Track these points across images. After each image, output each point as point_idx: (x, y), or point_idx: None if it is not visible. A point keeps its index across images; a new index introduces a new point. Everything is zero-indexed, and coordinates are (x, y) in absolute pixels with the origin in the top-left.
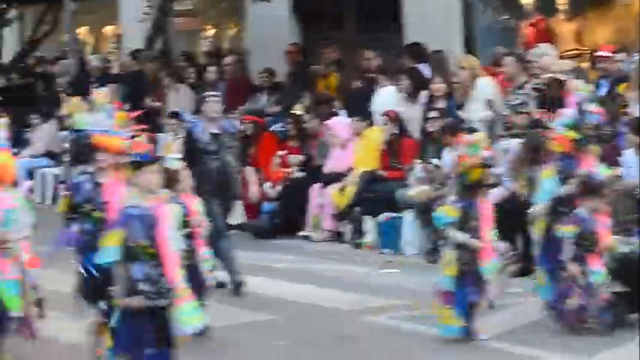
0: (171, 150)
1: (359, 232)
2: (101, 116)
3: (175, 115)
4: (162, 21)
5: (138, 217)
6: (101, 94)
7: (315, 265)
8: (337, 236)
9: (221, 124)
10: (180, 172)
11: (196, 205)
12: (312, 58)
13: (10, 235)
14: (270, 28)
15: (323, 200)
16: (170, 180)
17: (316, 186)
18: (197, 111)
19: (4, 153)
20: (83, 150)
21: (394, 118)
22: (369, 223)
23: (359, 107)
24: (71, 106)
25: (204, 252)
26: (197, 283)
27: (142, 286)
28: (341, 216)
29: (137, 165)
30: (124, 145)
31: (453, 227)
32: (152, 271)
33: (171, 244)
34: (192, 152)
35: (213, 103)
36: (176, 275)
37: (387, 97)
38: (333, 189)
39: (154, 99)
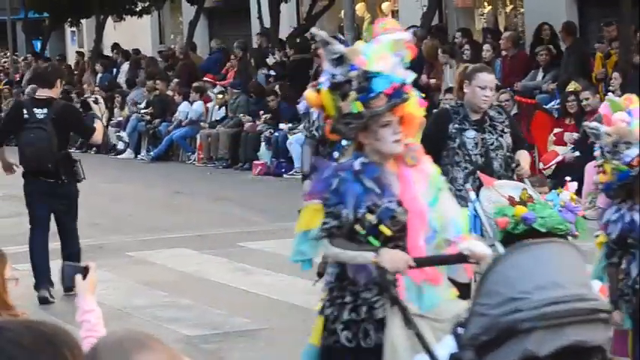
0: None
1: None
2: None
3: (449, 92)
4: None
5: None
6: None
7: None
8: None
9: None
10: None
11: None
12: (588, 35)
13: None
14: (546, 6)
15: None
16: None
17: (592, 164)
18: None
19: None
20: None
21: None
22: None
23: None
24: None
25: None
26: None
27: None
28: None
29: None
30: None
31: None
32: None
33: None
34: None
35: None
36: None
37: None
38: None
39: (430, 76)
